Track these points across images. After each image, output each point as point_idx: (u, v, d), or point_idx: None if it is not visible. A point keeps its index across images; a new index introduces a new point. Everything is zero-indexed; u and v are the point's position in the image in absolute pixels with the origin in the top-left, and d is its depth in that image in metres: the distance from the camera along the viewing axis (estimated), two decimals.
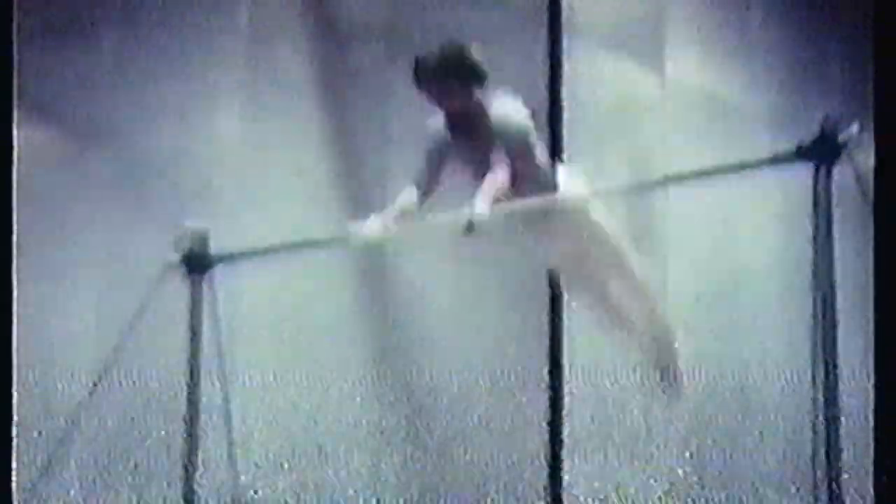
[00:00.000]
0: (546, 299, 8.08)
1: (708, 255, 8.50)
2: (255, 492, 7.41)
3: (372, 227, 5.55)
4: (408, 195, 5.59)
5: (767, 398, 8.54)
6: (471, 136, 5.51)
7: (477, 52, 5.54)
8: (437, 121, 5.61)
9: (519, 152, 5.48)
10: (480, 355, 8.01)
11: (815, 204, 4.75)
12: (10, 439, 6.09)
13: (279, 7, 7.92)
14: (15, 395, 6.21)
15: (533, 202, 5.54)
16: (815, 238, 4.75)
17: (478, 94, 5.51)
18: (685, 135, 8.38)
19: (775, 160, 5.01)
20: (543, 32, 8.16)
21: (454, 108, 5.52)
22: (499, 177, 5.37)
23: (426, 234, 6.63)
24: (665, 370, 5.95)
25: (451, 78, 5.48)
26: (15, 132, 6.65)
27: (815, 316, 4.72)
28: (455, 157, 5.59)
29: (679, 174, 6.49)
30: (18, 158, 7.09)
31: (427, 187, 5.61)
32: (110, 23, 7.78)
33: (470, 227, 5.30)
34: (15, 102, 6.61)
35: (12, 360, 6.12)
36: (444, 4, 8.08)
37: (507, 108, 5.53)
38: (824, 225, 4.72)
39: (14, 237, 6.35)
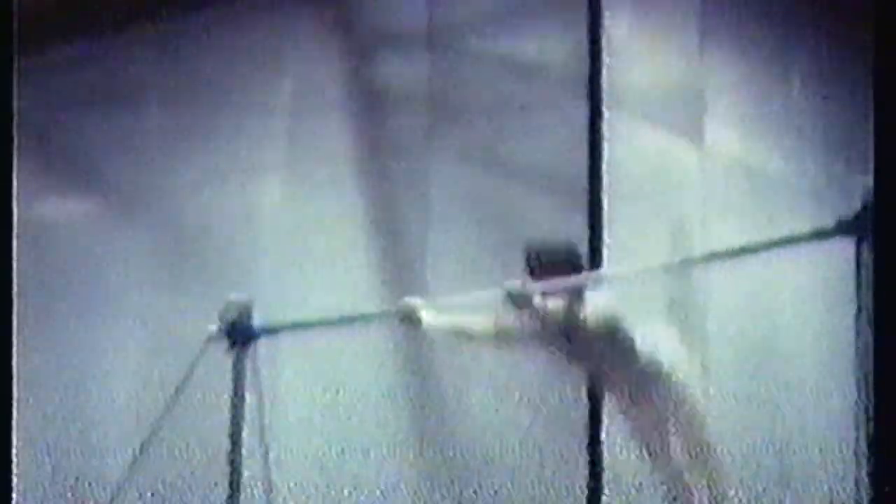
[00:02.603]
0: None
1: (748, 329, 8.46)
2: None
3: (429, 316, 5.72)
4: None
5: (808, 472, 8.47)
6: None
7: (579, 249, 5.77)
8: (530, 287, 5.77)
9: (608, 341, 5.66)
10: (520, 427, 7.98)
11: (858, 277, 4.72)
12: None
13: (322, 81, 8.00)
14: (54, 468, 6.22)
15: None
16: (857, 312, 4.71)
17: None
18: (725, 207, 8.36)
19: (816, 235, 5.00)
20: (583, 103, 8.18)
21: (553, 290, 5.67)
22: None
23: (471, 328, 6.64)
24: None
25: (558, 269, 5.64)
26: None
27: (857, 389, 4.69)
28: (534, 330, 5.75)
29: (721, 251, 6.47)
30: (62, 226, 7.17)
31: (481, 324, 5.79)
32: (156, 95, 7.87)
33: (517, 298, 5.45)
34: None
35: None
36: (486, 76, 8.13)
37: (598, 297, 5.70)
38: (867, 298, 4.68)
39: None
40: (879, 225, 4.57)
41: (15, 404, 4.95)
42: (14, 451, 5.23)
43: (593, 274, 5.66)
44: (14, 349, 5.38)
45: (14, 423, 4.94)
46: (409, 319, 5.83)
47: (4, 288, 4.60)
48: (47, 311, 7.72)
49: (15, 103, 5.43)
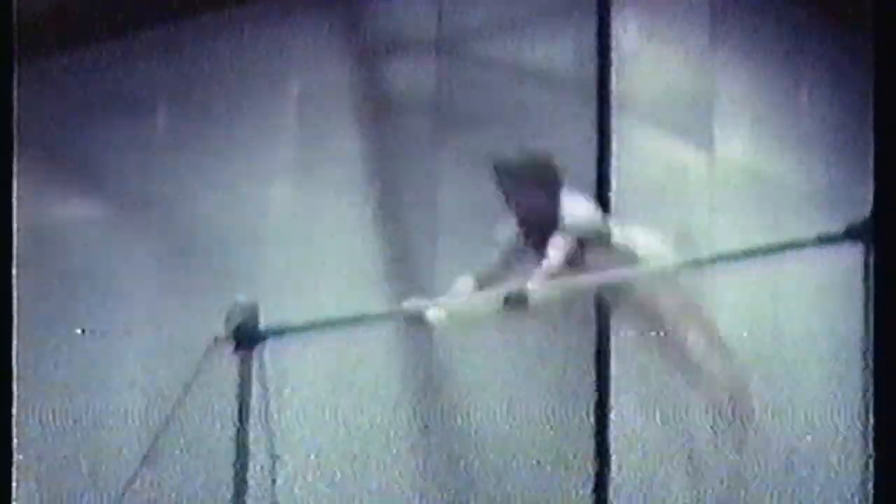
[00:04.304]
0: (593, 370, 8.05)
1: (754, 335, 8.44)
2: None
3: (438, 313, 5.68)
4: (462, 285, 5.71)
5: (816, 480, 8.45)
6: (543, 237, 5.61)
7: (556, 160, 5.67)
8: (507, 227, 5.72)
9: (592, 245, 5.59)
10: (527, 426, 7.97)
11: (866, 284, 4.70)
12: None
13: (331, 87, 8.00)
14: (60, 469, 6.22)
15: (611, 274, 5.62)
16: (865, 319, 4.69)
17: (552, 197, 5.61)
18: (733, 212, 8.36)
19: (825, 240, 4.99)
20: (592, 109, 8.18)
21: (529, 210, 5.62)
22: (552, 260, 5.46)
23: (476, 312, 6.63)
24: (740, 416, 5.97)
25: (531, 181, 5.57)
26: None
27: (864, 396, 4.68)
28: (524, 261, 5.70)
29: (728, 253, 6.49)
30: (69, 228, 7.18)
31: (484, 284, 5.73)
32: (164, 98, 7.87)
33: (515, 302, 5.40)
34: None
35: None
36: (494, 81, 8.13)
37: (576, 206, 5.65)
38: (876, 306, 4.65)
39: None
40: (880, 230, 4.56)
41: (18, 409, 4.94)
42: (16, 455, 5.23)
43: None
44: (15, 354, 5.39)
45: (16, 427, 4.93)
46: (416, 320, 5.81)
47: (4, 289, 4.60)
48: (53, 316, 7.73)
49: (15, 109, 5.44)
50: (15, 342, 5.53)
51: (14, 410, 5.42)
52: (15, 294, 5.52)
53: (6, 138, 5.17)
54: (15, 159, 5.68)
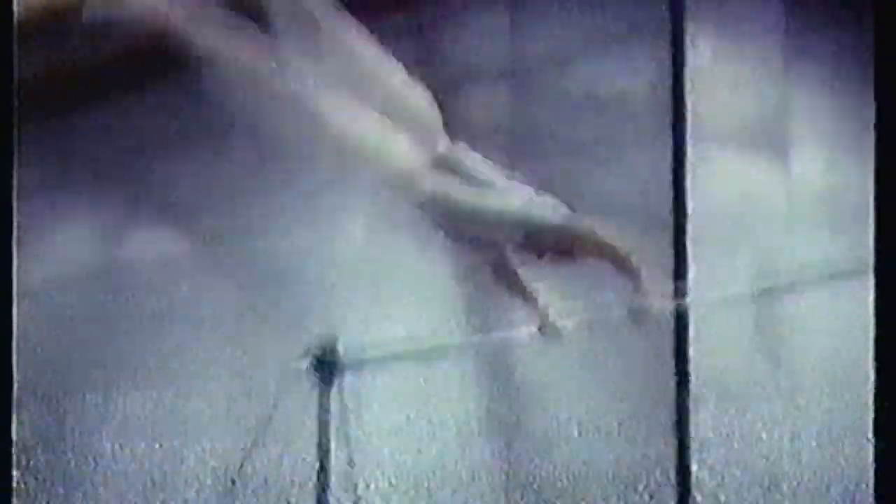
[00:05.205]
0: (672, 401, 8.03)
1: (836, 361, 8.36)
2: None
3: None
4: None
5: None
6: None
7: None
8: None
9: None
10: (608, 459, 7.96)
11: None
12: None
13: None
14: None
15: None
16: None
17: None
18: (812, 234, 8.30)
19: None
20: (668, 134, 8.16)
21: None
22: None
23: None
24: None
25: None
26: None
27: None
28: None
29: (808, 279, 6.42)
30: (148, 260, 7.24)
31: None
32: (242, 129, 7.95)
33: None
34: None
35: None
36: (568, 110, 8.14)
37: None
38: None
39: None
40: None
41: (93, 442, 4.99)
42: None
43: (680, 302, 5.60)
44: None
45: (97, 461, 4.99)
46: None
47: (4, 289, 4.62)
48: (133, 353, 7.83)
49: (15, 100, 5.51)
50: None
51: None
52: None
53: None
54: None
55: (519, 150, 8.06)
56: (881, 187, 4.43)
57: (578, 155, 8.02)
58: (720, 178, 8.33)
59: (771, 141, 8.51)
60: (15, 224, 5.03)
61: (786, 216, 8.38)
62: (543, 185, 7.69)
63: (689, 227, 7.99)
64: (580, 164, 7.99)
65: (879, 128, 4.49)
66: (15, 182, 4.80)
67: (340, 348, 6.43)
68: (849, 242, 8.21)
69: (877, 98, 4.43)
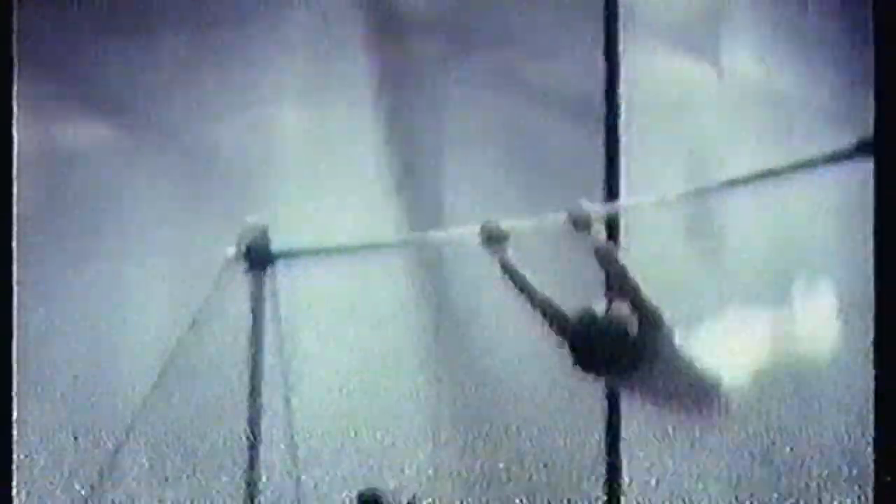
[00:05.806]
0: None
1: (764, 254, 8.42)
2: (315, 485, 7.45)
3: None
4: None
5: (826, 406, 8.42)
6: None
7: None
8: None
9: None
10: (538, 350, 8.00)
11: (878, 200, 4.65)
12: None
13: (340, 8, 7.96)
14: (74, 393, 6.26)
15: None
16: (876, 235, 4.65)
17: None
18: (743, 129, 8.32)
19: (836, 157, 4.96)
20: (600, 28, 8.13)
21: None
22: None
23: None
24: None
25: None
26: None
27: (876, 315, 4.67)
28: None
29: (739, 178, 6.39)
30: (82, 155, 7.17)
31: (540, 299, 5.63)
32: (172, 21, 7.84)
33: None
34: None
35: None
36: (502, 2, 8.09)
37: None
38: (888, 222, 4.61)
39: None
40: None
41: (29, 337, 4.97)
42: (17, 386, 5.27)
43: (611, 203, 5.59)
44: (21, 280, 5.41)
45: (30, 354, 4.96)
46: (495, 240, 5.58)
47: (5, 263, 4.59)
48: (63, 241, 7.75)
49: (15, 28, 5.42)
50: (16, 269, 5.56)
51: (14, 344, 5.46)
52: (15, 224, 5.53)
53: (7, 63, 5.14)
54: (15, 85, 5.68)
55: (451, 40, 8.03)
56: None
57: (510, 45, 8.00)
58: (652, 72, 8.33)
59: (703, 34, 8.51)
60: (15, 224, 4.96)
61: (718, 109, 8.40)
62: (478, 78, 7.71)
63: (622, 123, 8.00)
64: (512, 54, 7.97)
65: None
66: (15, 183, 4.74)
67: (271, 237, 6.39)
68: (779, 134, 8.27)
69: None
